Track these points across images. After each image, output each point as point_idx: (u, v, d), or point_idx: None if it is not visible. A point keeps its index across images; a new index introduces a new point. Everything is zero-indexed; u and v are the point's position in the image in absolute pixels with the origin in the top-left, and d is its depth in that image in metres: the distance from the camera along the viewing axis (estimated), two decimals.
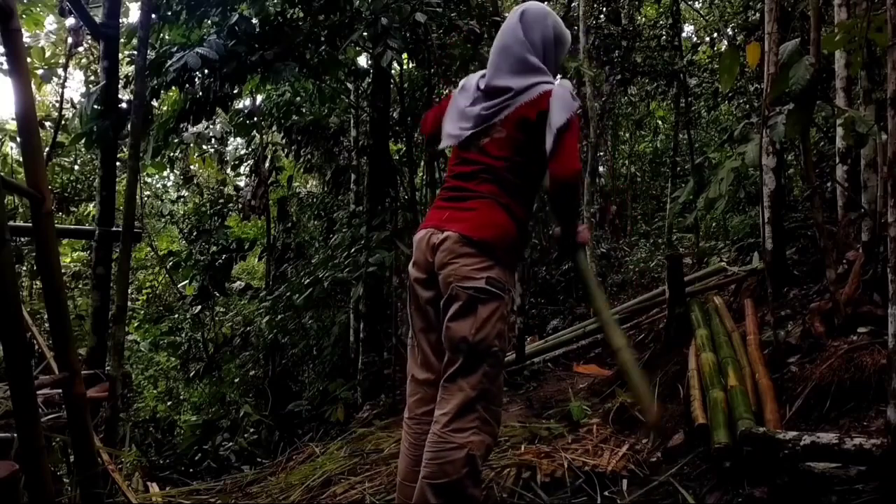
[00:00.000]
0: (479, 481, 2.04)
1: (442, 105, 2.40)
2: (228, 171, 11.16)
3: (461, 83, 2.34)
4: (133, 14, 7.67)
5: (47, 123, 8.33)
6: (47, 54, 7.42)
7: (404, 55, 6.37)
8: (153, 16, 4.64)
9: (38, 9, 6.62)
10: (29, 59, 6.22)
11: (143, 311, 9.80)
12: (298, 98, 7.69)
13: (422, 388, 2.24)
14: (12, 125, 8.07)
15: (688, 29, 13.56)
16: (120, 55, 4.94)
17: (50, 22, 7.30)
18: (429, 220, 2.24)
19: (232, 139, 10.98)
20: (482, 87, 2.25)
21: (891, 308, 2.27)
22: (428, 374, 2.22)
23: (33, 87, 4.37)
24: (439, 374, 2.13)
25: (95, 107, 4.51)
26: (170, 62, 4.76)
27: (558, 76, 2.35)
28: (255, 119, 8.20)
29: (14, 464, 2.04)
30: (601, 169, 12.82)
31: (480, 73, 2.34)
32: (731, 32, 10.67)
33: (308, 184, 11.89)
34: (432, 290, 2.17)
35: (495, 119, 2.17)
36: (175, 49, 4.88)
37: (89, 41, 7.47)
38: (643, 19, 11.87)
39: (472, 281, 2.03)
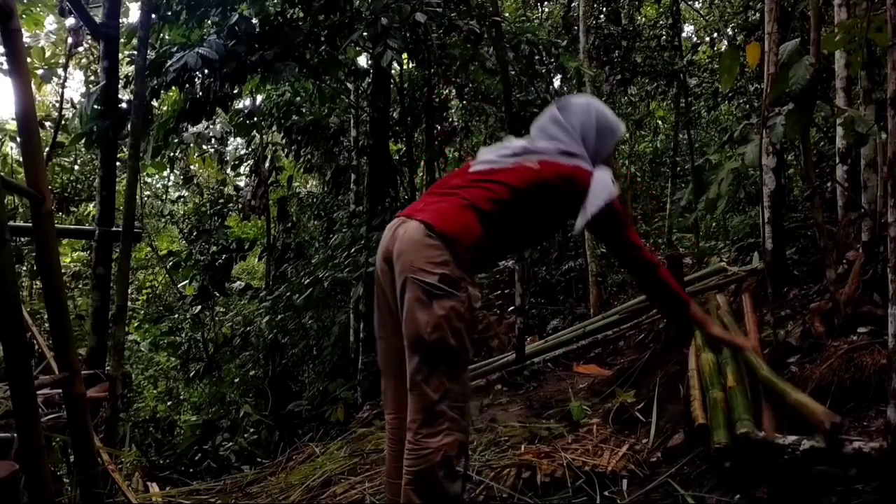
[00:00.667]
0: (456, 476, 1.97)
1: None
2: (228, 171, 11.17)
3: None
4: (133, 14, 7.67)
5: (47, 123, 8.33)
6: (47, 54, 7.43)
7: (404, 55, 6.38)
8: (153, 16, 4.64)
9: (38, 9, 6.62)
10: (29, 59, 6.22)
11: (143, 311, 9.80)
12: (298, 98, 7.70)
13: (391, 381, 2.23)
14: (12, 125, 8.07)
15: (688, 29, 13.56)
16: (120, 55, 4.94)
17: (50, 22, 7.31)
18: (403, 211, 2.16)
19: (232, 139, 10.98)
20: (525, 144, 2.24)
21: (891, 308, 2.27)
22: (392, 371, 2.20)
23: (33, 87, 4.37)
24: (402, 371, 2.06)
25: (95, 107, 4.51)
26: (170, 62, 4.76)
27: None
28: (255, 119, 8.21)
29: (14, 464, 2.04)
30: None
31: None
32: (731, 32, 10.67)
33: (308, 184, 11.89)
34: (394, 282, 2.05)
35: (534, 155, 2.15)
36: (175, 49, 4.89)
37: (89, 41, 7.47)
38: (643, 19, 11.86)
39: (426, 275, 1.91)
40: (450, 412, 1.95)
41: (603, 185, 2.10)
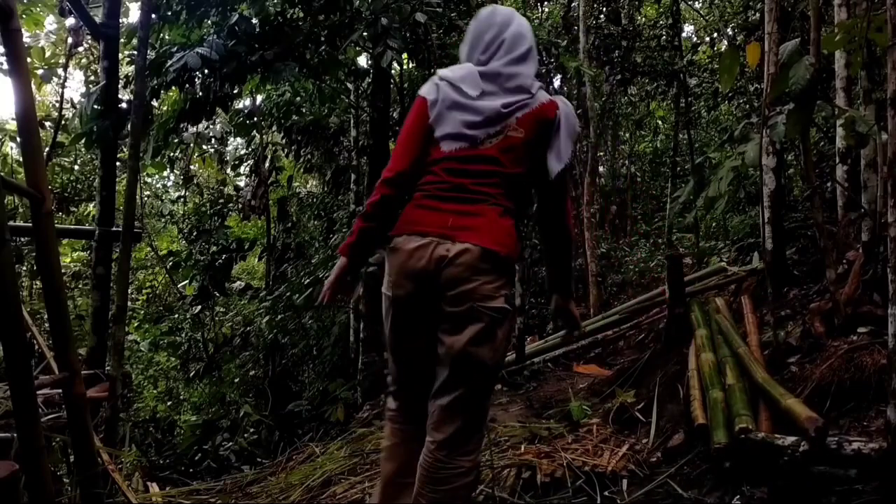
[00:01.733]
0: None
1: (413, 123, 2.03)
2: (228, 171, 11.18)
3: (445, 77, 2.02)
4: (133, 14, 7.67)
5: (47, 123, 8.34)
6: (47, 54, 7.43)
7: (404, 55, 6.38)
8: (153, 16, 4.64)
9: (38, 9, 6.62)
10: (29, 59, 6.22)
11: (143, 311, 9.80)
12: (298, 98, 7.70)
13: (415, 397, 2.08)
14: (12, 125, 8.07)
15: (688, 29, 13.57)
16: (120, 55, 4.94)
17: (50, 22, 7.31)
18: (425, 225, 1.93)
19: (232, 139, 10.99)
20: (497, 70, 1.98)
21: (891, 308, 2.27)
22: (417, 387, 2.06)
23: (33, 87, 4.37)
24: (427, 386, 2.00)
25: (95, 107, 4.50)
26: (170, 62, 4.76)
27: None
28: (255, 119, 8.21)
29: (14, 464, 2.04)
30: (601, 169, 12.82)
31: (467, 65, 2.06)
32: (731, 32, 10.67)
33: (308, 184, 11.89)
34: (427, 305, 1.94)
35: (515, 116, 1.94)
36: (175, 49, 4.89)
37: (89, 41, 7.47)
38: (643, 19, 11.87)
39: (494, 301, 1.86)
40: (482, 427, 1.98)
41: (571, 120, 1.97)
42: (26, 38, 6.95)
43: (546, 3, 11.81)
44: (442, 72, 2.07)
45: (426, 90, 2.05)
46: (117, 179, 5.48)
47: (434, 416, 1.94)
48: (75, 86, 13.20)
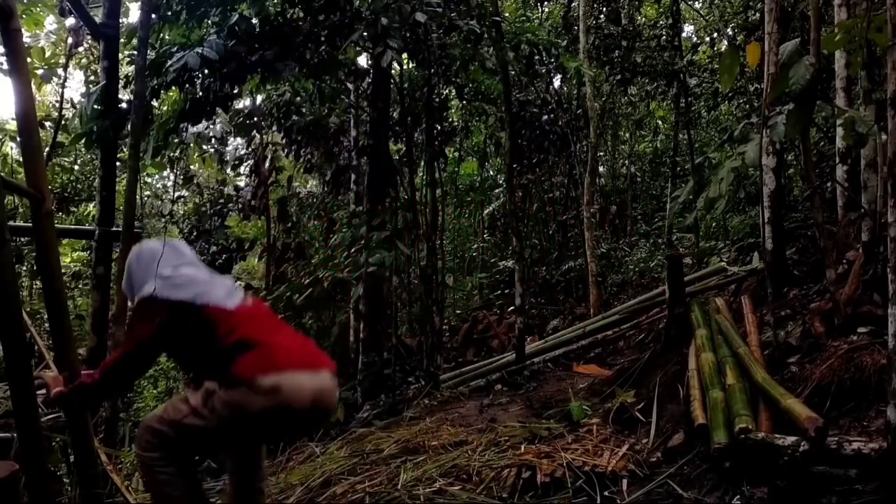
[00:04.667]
0: None
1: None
2: (228, 171, 11.17)
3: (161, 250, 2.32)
4: (133, 14, 7.66)
5: (47, 123, 8.33)
6: (47, 54, 7.42)
7: (404, 55, 6.37)
8: (153, 16, 4.64)
9: (38, 9, 6.62)
10: (29, 59, 6.22)
11: None
12: (298, 98, 7.70)
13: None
14: (12, 125, 8.07)
15: (688, 29, 13.56)
16: (120, 55, 4.93)
17: (50, 22, 7.30)
18: (305, 361, 2.19)
19: (232, 139, 10.98)
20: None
21: (891, 308, 2.27)
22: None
23: (33, 87, 4.36)
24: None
25: (95, 107, 4.50)
26: (170, 62, 4.76)
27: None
28: (255, 119, 8.21)
29: (14, 464, 2.04)
30: (601, 169, 12.82)
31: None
32: (731, 32, 10.67)
33: (308, 184, 11.89)
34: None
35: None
36: (175, 49, 4.89)
37: (89, 41, 7.46)
38: (643, 19, 11.86)
39: None
40: None
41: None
42: (26, 38, 6.94)
43: (546, 3, 11.82)
44: None
45: None
46: (117, 179, 5.47)
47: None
48: (75, 86, 13.19)
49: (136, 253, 2.37)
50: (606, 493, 2.84)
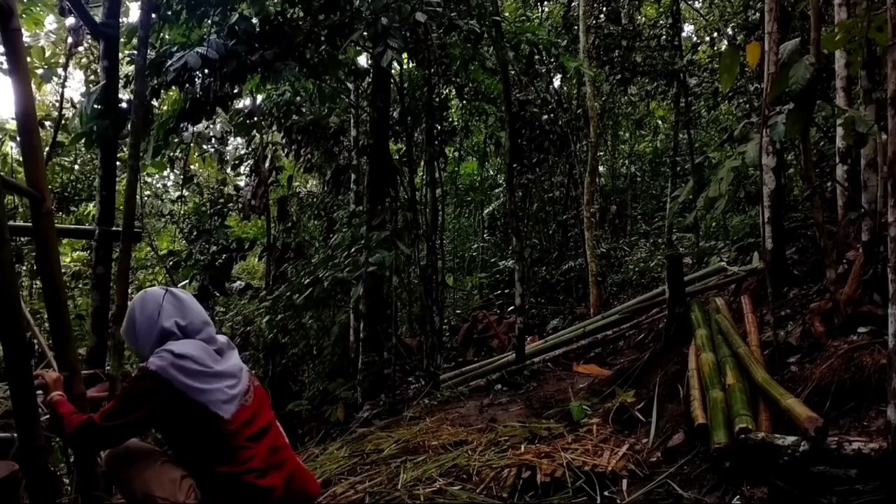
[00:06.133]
0: None
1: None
2: (228, 171, 11.17)
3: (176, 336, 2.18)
4: (133, 14, 7.68)
5: (47, 123, 8.32)
6: (47, 54, 7.41)
7: (404, 55, 6.37)
8: (153, 16, 4.64)
9: (38, 9, 6.61)
10: (29, 59, 6.22)
11: None
12: (298, 98, 7.69)
13: None
14: (12, 125, 8.06)
15: (688, 29, 13.57)
16: (120, 55, 4.93)
17: (50, 22, 7.29)
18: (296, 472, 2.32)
19: (232, 139, 10.98)
20: (220, 341, 2.29)
21: (891, 308, 2.27)
22: None
23: (33, 87, 4.36)
24: None
25: (95, 107, 4.50)
26: (170, 62, 4.76)
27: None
28: (255, 119, 8.20)
29: (14, 464, 2.04)
30: (601, 169, 12.82)
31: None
32: (731, 32, 10.67)
33: (308, 184, 11.89)
34: None
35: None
36: (175, 49, 4.89)
37: (89, 41, 7.47)
38: (643, 19, 11.86)
39: None
40: None
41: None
42: (26, 37, 6.94)
43: (546, 3, 11.82)
44: None
45: None
46: (117, 179, 5.47)
47: None
48: (75, 86, 13.22)
49: (140, 301, 2.26)
50: (606, 493, 2.84)
